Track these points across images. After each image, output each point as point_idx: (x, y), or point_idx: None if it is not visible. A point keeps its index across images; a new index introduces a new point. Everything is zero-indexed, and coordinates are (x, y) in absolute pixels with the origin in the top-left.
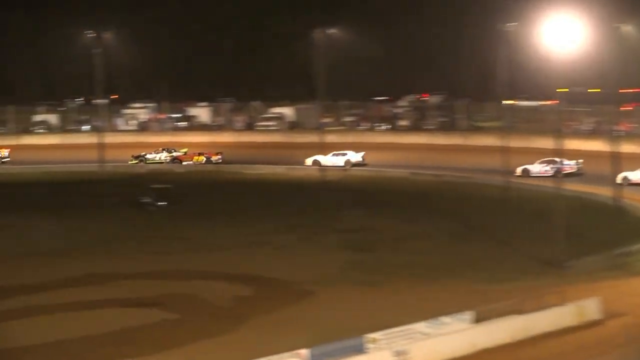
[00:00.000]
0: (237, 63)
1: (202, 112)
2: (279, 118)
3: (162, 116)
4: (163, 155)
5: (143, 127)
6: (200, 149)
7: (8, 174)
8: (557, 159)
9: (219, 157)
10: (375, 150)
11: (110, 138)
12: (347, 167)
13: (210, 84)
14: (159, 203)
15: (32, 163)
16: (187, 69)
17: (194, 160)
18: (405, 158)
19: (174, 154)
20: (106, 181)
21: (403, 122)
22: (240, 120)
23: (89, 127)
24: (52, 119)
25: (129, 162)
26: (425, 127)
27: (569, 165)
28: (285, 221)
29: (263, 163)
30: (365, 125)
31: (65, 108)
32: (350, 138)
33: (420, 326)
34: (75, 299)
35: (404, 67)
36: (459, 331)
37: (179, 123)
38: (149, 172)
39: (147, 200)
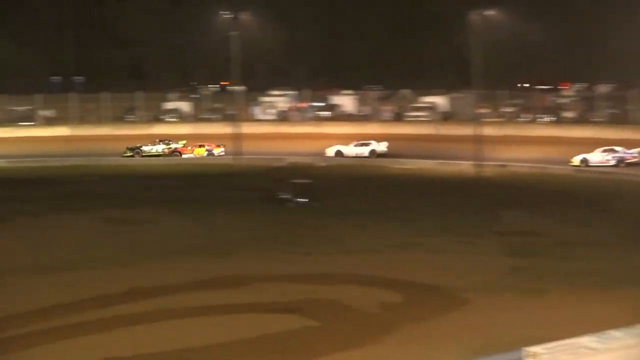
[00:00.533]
0: (386, 47)
1: (346, 101)
2: (431, 108)
3: (303, 105)
4: (160, 148)
5: (282, 117)
6: (337, 140)
7: (141, 165)
8: (618, 148)
9: (222, 149)
10: (537, 145)
11: (246, 128)
12: (373, 157)
13: (356, 70)
14: (300, 199)
15: None
16: (331, 53)
17: (194, 152)
18: (571, 153)
19: (173, 145)
20: (242, 175)
21: (568, 114)
22: (388, 110)
23: (222, 116)
24: (184, 106)
25: (123, 155)
26: (593, 120)
27: (631, 154)
28: (439, 222)
29: (412, 157)
30: (526, 116)
31: (198, 95)
32: (509, 130)
33: (587, 340)
34: (209, 302)
35: (570, 53)
36: (631, 347)
37: (321, 112)
38: (289, 165)
39: (286, 196)
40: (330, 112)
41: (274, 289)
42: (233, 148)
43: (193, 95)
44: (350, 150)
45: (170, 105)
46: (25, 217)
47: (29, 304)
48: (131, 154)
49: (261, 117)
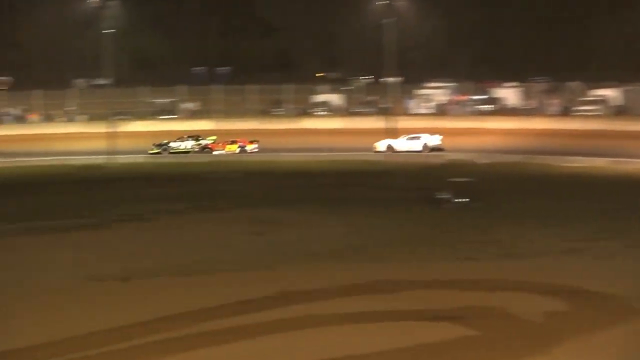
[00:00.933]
0: (553, 35)
1: (509, 94)
2: (602, 102)
3: (463, 98)
4: (189, 144)
5: (440, 111)
6: (497, 136)
7: (288, 162)
8: None
9: (255, 145)
10: None
11: (401, 123)
12: (425, 152)
13: (520, 60)
14: (459, 199)
15: (312, 150)
16: (493, 42)
17: (226, 149)
18: None
19: (202, 142)
20: (396, 173)
21: None
22: (554, 103)
23: (376, 109)
24: (335, 99)
25: (149, 152)
26: None
27: None
28: (609, 225)
29: (580, 155)
30: None
31: (350, 87)
32: None
33: None
34: (359, 309)
35: None
36: None
37: (482, 106)
38: (447, 163)
39: (444, 196)
40: (492, 106)
41: (430, 295)
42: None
43: (344, 87)
44: (401, 144)
45: (320, 97)
46: (166, 216)
47: (168, 309)
48: (158, 150)
49: (417, 110)
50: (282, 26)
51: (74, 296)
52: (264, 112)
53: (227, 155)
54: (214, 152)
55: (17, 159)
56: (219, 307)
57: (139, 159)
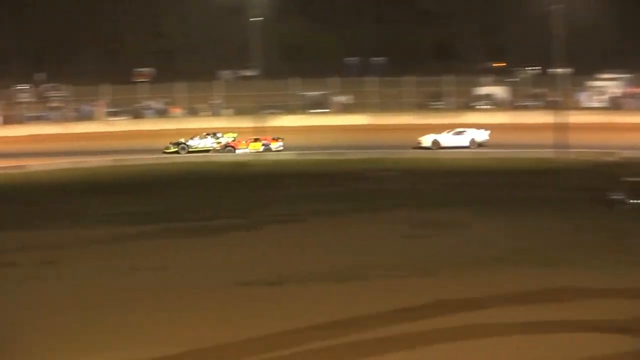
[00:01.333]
0: None
1: None
2: None
3: (639, 90)
4: (209, 142)
5: (614, 104)
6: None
7: (447, 159)
8: None
9: (280, 144)
10: None
11: (571, 117)
12: (473, 147)
13: None
14: (634, 201)
15: None
16: None
17: (249, 147)
18: None
19: (222, 140)
20: (565, 171)
21: None
22: None
23: (543, 103)
24: (499, 92)
25: (165, 151)
26: None
27: None
28: None
29: None
30: None
31: (515, 79)
32: None
33: None
34: (526, 318)
35: None
36: None
37: None
38: (620, 161)
39: (618, 196)
40: None
41: (605, 305)
42: (555, 140)
43: (509, 79)
44: (447, 139)
45: (483, 90)
46: (319, 217)
47: (321, 317)
48: (175, 149)
49: (589, 104)
50: (441, 13)
51: (223, 301)
52: (422, 106)
53: (382, 152)
54: (237, 151)
55: (159, 156)
56: (374, 315)
57: (288, 155)
